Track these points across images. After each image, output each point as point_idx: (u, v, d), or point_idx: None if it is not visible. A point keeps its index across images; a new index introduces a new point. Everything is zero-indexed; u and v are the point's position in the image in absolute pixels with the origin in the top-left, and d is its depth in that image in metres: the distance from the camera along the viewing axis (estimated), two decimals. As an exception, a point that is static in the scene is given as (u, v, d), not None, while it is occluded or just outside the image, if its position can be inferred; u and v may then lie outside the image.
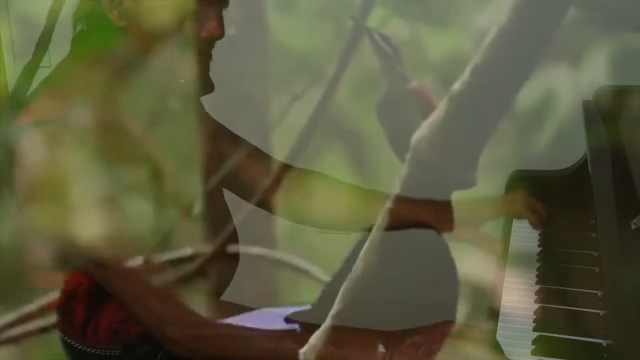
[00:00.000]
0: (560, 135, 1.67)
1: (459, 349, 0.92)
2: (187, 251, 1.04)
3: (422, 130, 0.99)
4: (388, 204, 1.03)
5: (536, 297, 1.07)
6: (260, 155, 1.26)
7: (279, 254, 1.17)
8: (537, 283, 1.11)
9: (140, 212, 1.01)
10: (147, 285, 0.99)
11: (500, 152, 1.66)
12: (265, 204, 1.25)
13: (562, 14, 1.49)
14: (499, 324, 1.02)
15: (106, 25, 1.01)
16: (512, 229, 1.28)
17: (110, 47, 1.03)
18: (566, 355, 0.94)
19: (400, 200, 1.11)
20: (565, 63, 1.65)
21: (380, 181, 1.79)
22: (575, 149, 1.35)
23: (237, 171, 1.21)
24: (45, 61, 2.32)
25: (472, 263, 1.38)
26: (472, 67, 0.93)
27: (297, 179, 1.27)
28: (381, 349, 0.93)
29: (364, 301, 1.20)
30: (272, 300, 1.74)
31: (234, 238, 1.15)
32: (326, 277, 1.13)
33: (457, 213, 1.17)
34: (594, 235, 1.12)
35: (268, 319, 1.04)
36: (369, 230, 1.02)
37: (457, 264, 1.36)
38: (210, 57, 1.06)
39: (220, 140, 1.22)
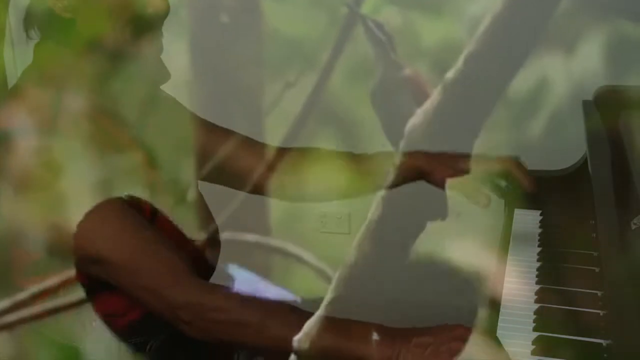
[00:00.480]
0: (555, 124, 1.68)
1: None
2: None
3: (417, 118, 0.99)
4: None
5: (536, 297, 1.07)
6: (250, 143, 1.25)
7: (273, 241, 1.16)
8: (537, 283, 1.11)
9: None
10: (157, 276, 0.99)
11: (494, 139, 1.66)
12: (259, 189, 1.25)
13: (555, 2, 1.50)
14: (499, 324, 1.02)
15: (56, 22, 1.01)
16: (513, 228, 1.28)
17: (67, 40, 1.03)
18: (566, 355, 0.94)
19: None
20: (559, 51, 1.65)
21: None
22: (575, 149, 1.35)
23: (228, 163, 1.21)
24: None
25: (470, 256, 1.38)
26: (466, 55, 0.93)
27: (289, 157, 1.26)
28: (375, 336, 0.93)
29: (358, 290, 1.20)
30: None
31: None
32: (319, 264, 1.12)
33: (444, 163, 1.16)
34: (594, 235, 1.12)
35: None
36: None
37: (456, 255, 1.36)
38: (161, 35, 1.05)
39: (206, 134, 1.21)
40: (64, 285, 1.05)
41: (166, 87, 1.12)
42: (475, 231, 1.62)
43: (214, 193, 1.21)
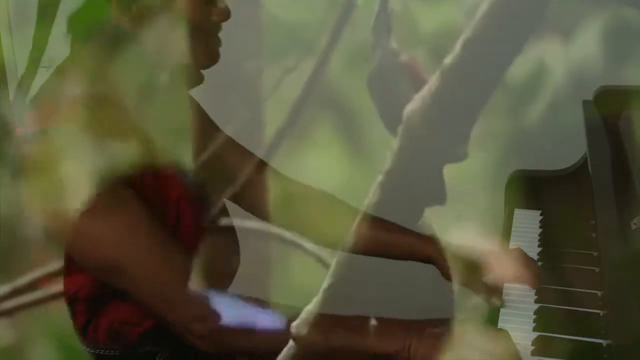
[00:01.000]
0: (553, 110, 1.67)
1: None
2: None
3: (415, 104, 0.99)
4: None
5: (536, 297, 1.07)
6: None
7: (272, 227, 1.16)
8: (537, 283, 1.11)
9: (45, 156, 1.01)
10: (170, 286, 0.99)
11: (491, 125, 1.66)
12: (259, 213, 1.24)
13: (553, -13, 1.49)
14: (498, 324, 1.02)
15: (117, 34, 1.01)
16: (513, 228, 1.28)
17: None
18: (566, 355, 0.94)
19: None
20: (557, 36, 1.65)
21: (371, 154, 1.79)
22: (575, 148, 1.35)
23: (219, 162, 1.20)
24: (44, 61, 2.32)
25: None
26: (464, 40, 0.93)
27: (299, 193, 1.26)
28: (373, 321, 0.93)
29: (356, 276, 1.20)
30: (264, 273, 1.73)
31: (225, 211, 1.14)
32: (318, 250, 1.12)
33: (458, 257, 1.16)
34: (594, 235, 1.12)
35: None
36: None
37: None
38: (220, 41, 1.06)
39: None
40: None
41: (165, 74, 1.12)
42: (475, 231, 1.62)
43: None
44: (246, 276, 1.18)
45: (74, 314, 1.07)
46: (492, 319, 1.03)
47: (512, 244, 1.23)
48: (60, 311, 1.09)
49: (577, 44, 1.64)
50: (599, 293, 1.04)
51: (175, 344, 1.05)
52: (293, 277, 1.21)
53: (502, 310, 1.05)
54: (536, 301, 1.06)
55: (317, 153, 1.84)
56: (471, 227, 1.25)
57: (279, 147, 1.29)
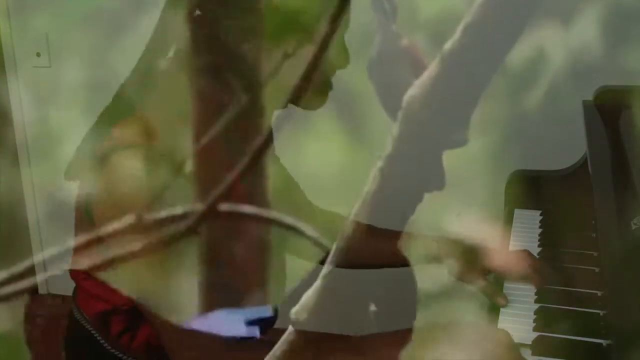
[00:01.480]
0: (552, 95, 1.67)
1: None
2: (178, 210, 1.03)
3: (414, 89, 0.99)
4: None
5: (536, 297, 1.07)
6: None
7: (271, 213, 1.15)
8: (537, 283, 1.11)
9: (132, 170, 1.01)
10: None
11: (491, 110, 1.66)
12: None
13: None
14: (499, 324, 1.02)
15: None
16: (513, 228, 1.28)
17: None
18: (566, 355, 0.94)
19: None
20: (556, 22, 1.65)
21: (371, 140, 1.79)
22: (575, 149, 1.35)
23: None
24: (45, 61, 2.32)
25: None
26: (464, 25, 0.92)
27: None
28: (372, 307, 0.93)
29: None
30: (262, 258, 1.73)
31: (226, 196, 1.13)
32: (317, 236, 1.12)
33: (464, 255, 1.16)
34: (594, 235, 1.12)
35: (226, 323, 1.04)
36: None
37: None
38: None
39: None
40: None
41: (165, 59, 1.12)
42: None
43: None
44: (245, 261, 1.18)
45: (108, 324, 1.08)
46: (492, 317, 1.04)
47: (512, 244, 1.23)
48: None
49: (576, 30, 1.64)
50: (599, 293, 1.04)
51: None
52: (292, 263, 1.21)
53: (502, 310, 1.05)
54: (536, 301, 1.06)
55: (317, 139, 1.84)
56: (472, 214, 1.26)
57: (279, 133, 1.28)
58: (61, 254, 0.97)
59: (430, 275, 1.27)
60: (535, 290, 1.08)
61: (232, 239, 1.15)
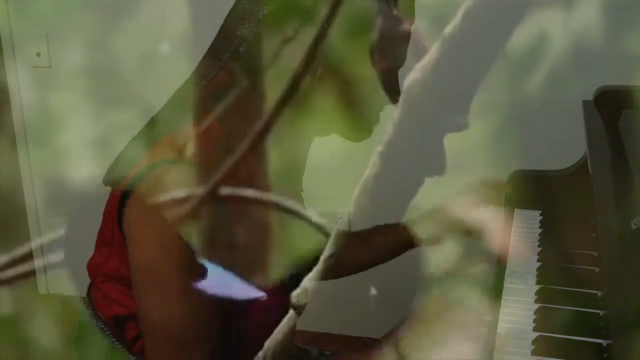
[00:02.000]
0: (553, 80, 1.66)
1: None
2: (180, 193, 1.03)
3: (415, 73, 0.98)
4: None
5: (536, 297, 1.07)
6: None
7: (272, 196, 1.15)
8: (537, 283, 1.11)
9: (134, 155, 1.01)
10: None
11: (492, 94, 1.66)
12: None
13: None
14: (499, 324, 1.02)
15: None
16: (513, 228, 1.28)
17: None
18: (566, 355, 0.94)
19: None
20: (557, 5, 1.65)
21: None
22: (575, 149, 1.35)
23: None
24: (45, 61, 2.32)
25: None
26: (465, 9, 0.92)
27: None
28: (373, 291, 0.94)
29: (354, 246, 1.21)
30: (264, 241, 1.74)
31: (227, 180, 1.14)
32: (318, 219, 1.12)
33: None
34: (594, 235, 1.12)
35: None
36: None
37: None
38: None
39: None
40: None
41: (166, 43, 1.12)
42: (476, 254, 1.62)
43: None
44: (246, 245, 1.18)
45: (122, 329, 1.08)
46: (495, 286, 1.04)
47: (512, 244, 1.23)
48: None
49: (578, 14, 1.64)
50: (599, 293, 1.04)
51: None
52: (293, 247, 1.21)
53: (502, 309, 1.05)
54: (536, 301, 1.06)
55: (318, 124, 1.84)
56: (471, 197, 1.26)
57: (279, 117, 1.28)
58: (60, 239, 0.98)
59: (431, 259, 1.26)
60: (535, 290, 1.08)
61: (233, 222, 1.16)
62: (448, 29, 0.94)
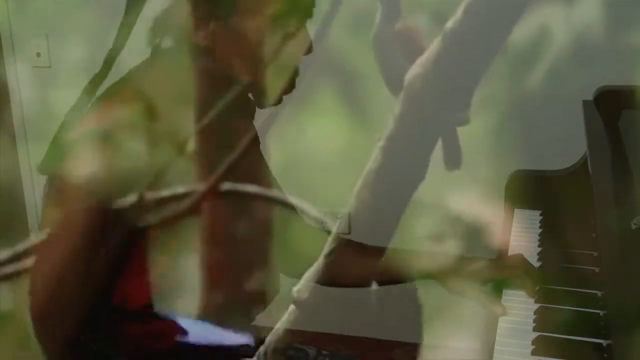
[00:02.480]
0: (554, 74, 1.66)
1: None
2: (180, 189, 1.03)
3: (416, 68, 0.98)
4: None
5: (536, 297, 1.07)
6: None
7: (274, 192, 1.15)
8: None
9: (134, 149, 1.01)
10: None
11: (493, 89, 1.66)
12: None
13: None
14: (499, 324, 1.02)
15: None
16: (513, 228, 1.28)
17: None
18: (566, 355, 0.94)
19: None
20: (558, 1, 1.64)
21: (373, 119, 1.79)
22: (575, 149, 1.35)
23: None
24: (45, 61, 2.32)
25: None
26: (466, 5, 0.92)
27: None
28: (374, 285, 0.93)
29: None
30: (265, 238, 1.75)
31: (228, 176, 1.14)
32: (320, 215, 1.12)
33: (457, 269, 1.15)
34: (594, 235, 1.12)
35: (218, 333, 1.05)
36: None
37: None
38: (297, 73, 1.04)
39: None
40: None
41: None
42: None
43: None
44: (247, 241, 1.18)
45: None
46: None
47: (512, 244, 1.23)
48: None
49: (579, 9, 1.63)
50: (599, 293, 1.04)
51: None
52: (294, 242, 1.21)
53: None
54: (536, 301, 1.06)
55: (319, 119, 1.84)
56: (472, 193, 1.26)
57: (281, 112, 1.27)
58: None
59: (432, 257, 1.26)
60: (535, 290, 1.08)
61: (234, 218, 1.15)
62: (449, 24, 0.94)
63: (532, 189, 1.35)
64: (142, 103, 1.00)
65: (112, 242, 0.98)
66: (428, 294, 1.82)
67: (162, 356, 1.06)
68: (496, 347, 0.97)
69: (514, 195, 1.35)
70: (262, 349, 0.98)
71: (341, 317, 2.12)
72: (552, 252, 1.19)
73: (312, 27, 1.04)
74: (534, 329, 1.00)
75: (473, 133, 1.49)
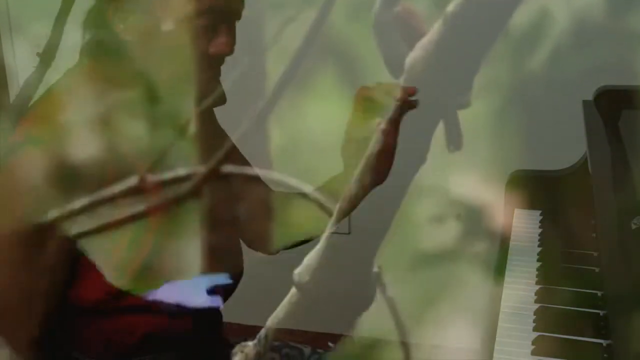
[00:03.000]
0: (555, 58, 1.66)
1: None
2: (181, 171, 1.03)
3: (417, 51, 0.98)
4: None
5: (536, 297, 1.07)
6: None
7: (274, 174, 1.15)
8: (537, 283, 1.11)
9: (135, 132, 1.00)
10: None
11: (494, 72, 1.65)
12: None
13: None
14: (499, 324, 1.02)
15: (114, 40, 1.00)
16: (513, 228, 1.28)
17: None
18: (566, 355, 0.94)
19: None
20: None
21: None
22: (575, 149, 1.35)
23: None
24: (43, 28, 2.30)
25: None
26: None
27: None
28: (375, 268, 0.93)
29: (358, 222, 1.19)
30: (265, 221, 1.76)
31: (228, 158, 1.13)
32: (321, 197, 1.12)
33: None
34: (594, 235, 1.12)
35: (186, 293, 1.04)
36: None
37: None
38: (219, 73, 1.04)
39: None
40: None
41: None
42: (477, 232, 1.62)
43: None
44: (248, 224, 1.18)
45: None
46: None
47: (512, 244, 1.23)
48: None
49: None
50: (599, 293, 1.04)
51: (175, 351, 1.06)
52: (296, 225, 1.21)
53: (502, 309, 1.05)
54: (536, 301, 1.06)
55: (319, 103, 1.84)
56: (473, 176, 1.25)
57: (281, 97, 1.27)
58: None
59: (435, 236, 1.26)
60: (535, 290, 1.08)
61: (234, 201, 1.15)
62: (450, 7, 0.94)
63: (532, 189, 1.35)
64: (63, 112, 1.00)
65: (49, 250, 0.98)
66: (429, 294, 1.82)
67: (140, 351, 1.06)
68: (496, 347, 0.97)
69: (513, 195, 1.35)
70: (262, 332, 0.97)
71: (341, 319, 2.12)
72: (552, 252, 1.19)
73: (312, 12, 1.03)
74: (534, 329, 1.00)
75: (474, 116, 1.48)
